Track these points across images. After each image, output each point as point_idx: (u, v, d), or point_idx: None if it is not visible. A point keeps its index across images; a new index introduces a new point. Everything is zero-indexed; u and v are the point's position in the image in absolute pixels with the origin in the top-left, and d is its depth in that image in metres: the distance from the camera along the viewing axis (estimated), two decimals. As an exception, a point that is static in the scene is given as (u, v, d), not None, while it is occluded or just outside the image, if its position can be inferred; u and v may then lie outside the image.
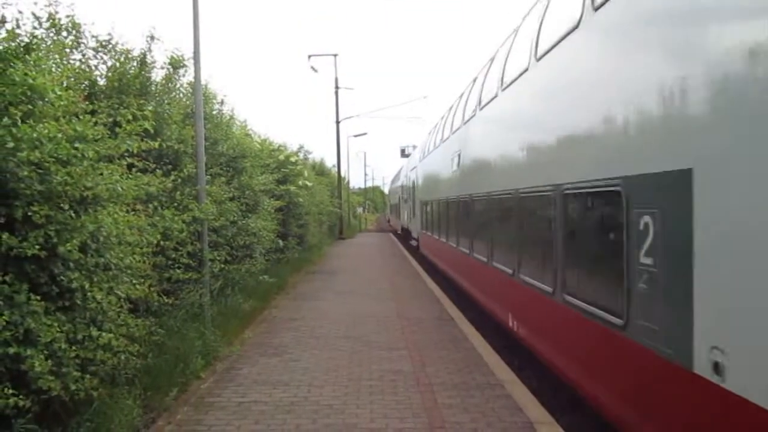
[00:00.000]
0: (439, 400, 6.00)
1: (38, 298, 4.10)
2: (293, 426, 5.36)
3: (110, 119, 5.79)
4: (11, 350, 3.83)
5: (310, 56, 33.39)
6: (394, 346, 8.31)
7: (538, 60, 6.99)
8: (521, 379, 6.87)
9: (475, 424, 5.38)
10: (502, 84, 8.95)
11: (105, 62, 7.96)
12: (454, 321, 10.08)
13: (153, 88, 8.39)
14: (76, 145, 4.59)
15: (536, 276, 6.98)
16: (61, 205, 4.45)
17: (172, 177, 7.15)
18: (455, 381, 6.66)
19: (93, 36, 7.74)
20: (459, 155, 12.86)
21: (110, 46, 7.95)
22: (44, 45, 5.93)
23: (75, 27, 7.33)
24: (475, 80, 12.16)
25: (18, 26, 4.91)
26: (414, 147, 32.83)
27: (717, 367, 3.29)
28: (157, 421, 5.53)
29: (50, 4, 6.76)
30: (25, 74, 4.40)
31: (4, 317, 3.78)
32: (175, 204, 7.48)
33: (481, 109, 10.64)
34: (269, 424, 5.41)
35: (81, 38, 7.54)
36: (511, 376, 6.89)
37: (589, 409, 5.52)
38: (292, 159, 18.43)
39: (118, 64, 7.88)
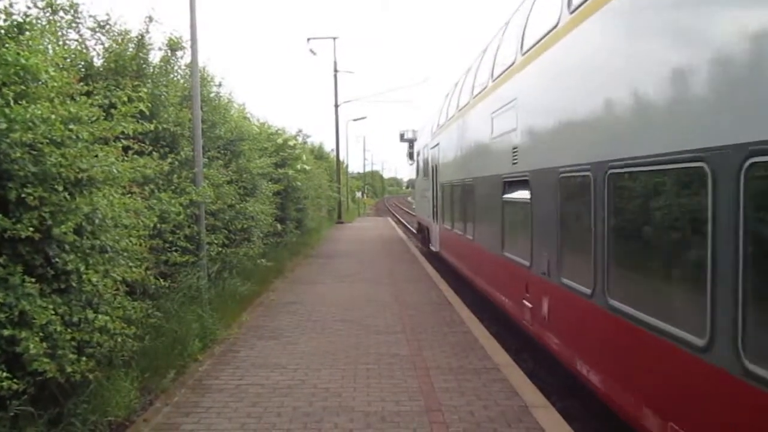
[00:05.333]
0: (436, 384, 6.02)
1: (33, 280, 4.08)
2: (290, 408, 5.38)
3: (106, 101, 5.74)
4: (6, 332, 3.82)
5: (309, 39, 33.14)
6: (391, 330, 8.33)
7: None
8: (517, 363, 6.90)
9: (471, 407, 5.41)
10: None
11: (102, 43, 7.89)
12: (452, 305, 10.09)
13: (150, 70, 8.31)
14: (71, 126, 4.55)
15: None
16: (56, 186, 4.40)
17: (169, 160, 7.12)
18: (452, 365, 6.68)
19: (91, 16, 7.67)
20: None
21: (108, 26, 7.86)
22: (39, 25, 5.85)
23: (73, 7, 7.23)
24: None
25: (11, 5, 4.83)
26: (414, 131, 30.26)
27: None
28: (155, 403, 5.55)
29: None
30: (18, 54, 4.33)
31: (-2, 299, 3.76)
32: (172, 187, 7.45)
33: None
34: (266, 407, 5.43)
35: (79, 18, 7.45)
36: (508, 360, 6.91)
37: (584, 393, 5.53)
38: (291, 143, 18.31)
39: (115, 45, 7.80)
